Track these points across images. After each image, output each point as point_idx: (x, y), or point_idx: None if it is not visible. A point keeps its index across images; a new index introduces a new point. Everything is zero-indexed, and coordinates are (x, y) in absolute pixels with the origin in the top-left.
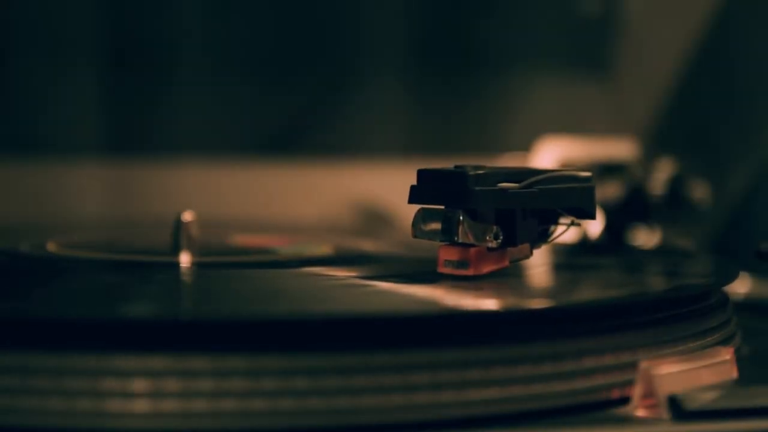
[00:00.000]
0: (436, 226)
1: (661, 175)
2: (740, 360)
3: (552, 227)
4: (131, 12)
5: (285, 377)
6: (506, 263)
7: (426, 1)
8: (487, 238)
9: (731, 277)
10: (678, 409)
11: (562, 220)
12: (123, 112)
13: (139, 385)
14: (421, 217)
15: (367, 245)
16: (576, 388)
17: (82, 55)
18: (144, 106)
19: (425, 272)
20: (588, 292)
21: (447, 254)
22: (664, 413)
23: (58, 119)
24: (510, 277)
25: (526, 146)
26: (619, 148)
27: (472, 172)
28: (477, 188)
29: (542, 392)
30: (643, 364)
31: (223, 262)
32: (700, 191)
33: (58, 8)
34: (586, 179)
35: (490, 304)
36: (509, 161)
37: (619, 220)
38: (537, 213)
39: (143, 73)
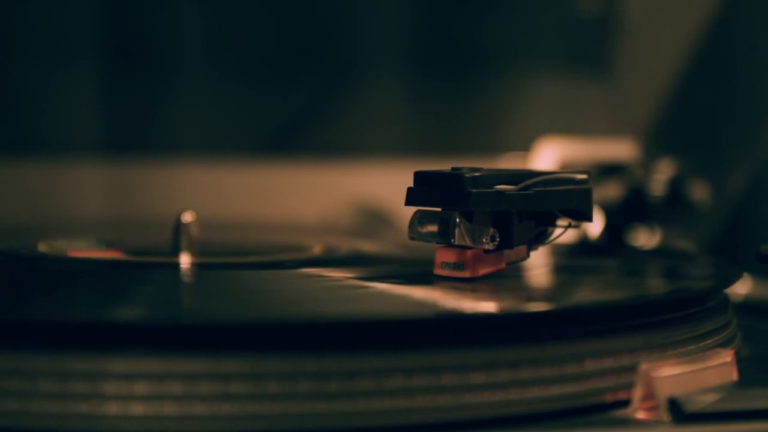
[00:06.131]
0: (432, 228)
1: (661, 176)
2: (741, 362)
3: (549, 229)
4: (131, 12)
5: (277, 379)
6: (503, 265)
7: (426, 1)
8: (484, 240)
9: (733, 280)
10: (678, 411)
11: (560, 222)
12: (123, 111)
13: (135, 387)
14: (418, 219)
15: (367, 246)
16: (576, 391)
17: (82, 55)
18: (144, 106)
19: (423, 274)
20: (587, 293)
21: (444, 256)
22: (665, 415)
23: (57, 119)
24: (507, 279)
25: (526, 146)
26: (619, 149)
27: (468, 175)
28: (474, 190)
29: (541, 395)
30: (643, 366)
31: (222, 263)
32: (700, 191)
33: (57, 8)
34: (583, 181)
35: (487, 306)
36: (509, 161)
37: (620, 220)
38: (534, 215)
39: (143, 73)
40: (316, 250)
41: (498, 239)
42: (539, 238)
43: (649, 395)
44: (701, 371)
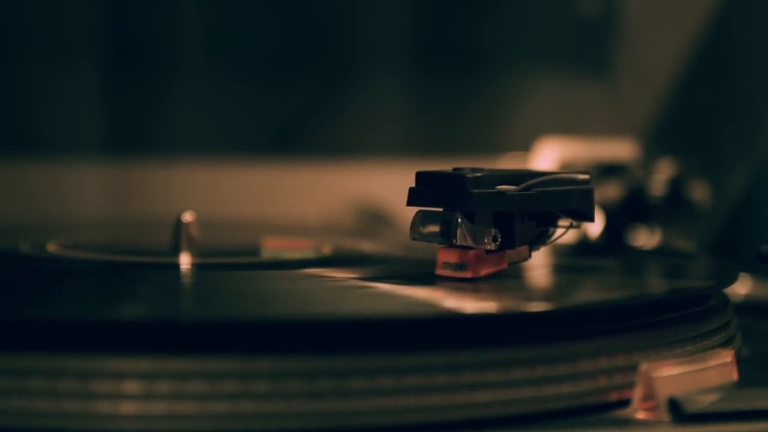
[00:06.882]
0: (434, 228)
1: (661, 176)
2: (740, 362)
3: (551, 229)
4: (131, 11)
5: (278, 379)
6: (504, 265)
7: (426, 1)
8: (486, 240)
9: (732, 280)
10: (678, 411)
11: (561, 222)
12: (123, 111)
13: (133, 387)
14: (420, 220)
15: (367, 246)
16: (576, 391)
17: (82, 55)
18: (144, 106)
19: (424, 274)
20: (588, 293)
21: (445, 256)
22: (665, 416)
23: (57, 119)
24: (509, 279)
25: (526, 146)
26: (619, 149)
27: (470, 175)
28: (475, 191)
29: (542, 395)
30: (644, 367)
31: (223, 263)
32: (700, 191)
33: (57, 8)
34: (585, 181)
35: (488, 306)
36: (509, 161)
37: (620, 220)
38: (535, 215)
39: (143, 73)
40: (317, 250)
41: (500, 239)
42: (541, 238)
43: (649, 395)
44: (701, 371)
